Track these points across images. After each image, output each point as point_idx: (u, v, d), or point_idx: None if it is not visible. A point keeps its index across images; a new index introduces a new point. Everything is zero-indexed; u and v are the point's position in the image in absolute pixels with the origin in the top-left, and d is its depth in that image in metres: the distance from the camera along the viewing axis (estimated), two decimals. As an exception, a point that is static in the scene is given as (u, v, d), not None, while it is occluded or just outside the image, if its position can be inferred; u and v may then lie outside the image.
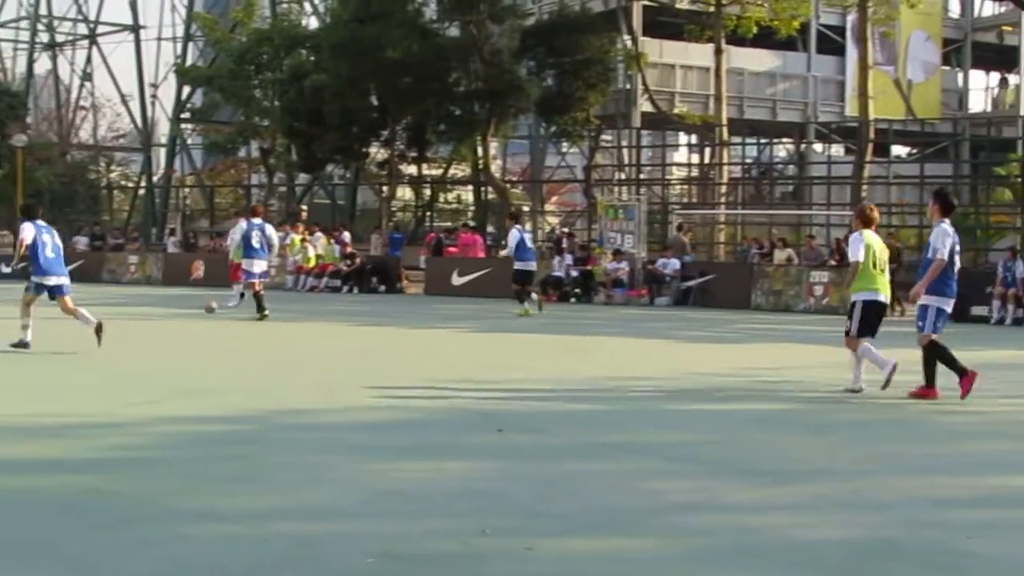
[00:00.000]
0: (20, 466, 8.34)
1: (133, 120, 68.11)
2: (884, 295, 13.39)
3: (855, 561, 6.42)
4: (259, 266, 23.42)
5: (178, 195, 63.54)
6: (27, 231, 16.64)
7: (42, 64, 71.54)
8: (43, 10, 69.65)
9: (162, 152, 67.63)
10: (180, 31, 64.85)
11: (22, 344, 16.18)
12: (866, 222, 13.64)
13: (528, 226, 50.61)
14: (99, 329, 16.05)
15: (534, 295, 26.61)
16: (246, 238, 23.43)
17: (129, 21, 67.43)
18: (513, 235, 26.70)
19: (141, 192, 66.30)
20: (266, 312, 22.98)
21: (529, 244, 26.98)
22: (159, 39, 68.72)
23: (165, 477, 8.07)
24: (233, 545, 6.39)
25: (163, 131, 68.36)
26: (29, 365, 14.81)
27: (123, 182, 69.88)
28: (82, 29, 70.74)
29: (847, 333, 13.37)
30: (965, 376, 12.61)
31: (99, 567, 5.98)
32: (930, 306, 12.83)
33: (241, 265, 23.73)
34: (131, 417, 10.49)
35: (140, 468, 8.38)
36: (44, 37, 70.62)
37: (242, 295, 24.30)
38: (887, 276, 13.53)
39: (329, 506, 7.37)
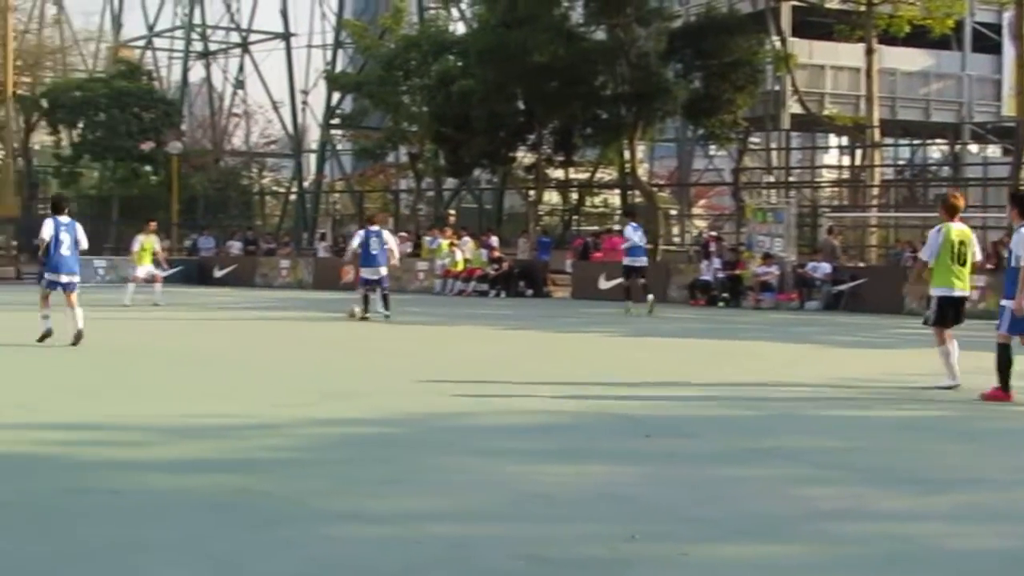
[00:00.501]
0: (174, 466, 8.52)
1: (284, 126, 69.26)
2: (960, 289, 13.57)
3: (1010, 571, 6.29)
4: (377, 272, 24.16)
5: (328, 200, 64.71)
6: (46, 228, 17.71)
7: (196, 72, 73.05)
8: (197, 20, 70.99)
9: (312, 158, 69.10)
10: (330, 38, 65.73)
11: (46, 334, 17.37)
12: (951, 212, 13.64)
13: (676, 230, 50.62)
14: (77, 338, 17.32)
15: (650, 296, 27.47)
16: (364, 245, 24.17)
17: (280, 29, 68.53)
18: (627, 232, 27.86)
19: (292, 197, 67.48)
20: (388, 313, 23.89)
21: (639, 241, 27.82)
22: (309, 46, 69.96)
23: (314, 478, 8.18)
24: (381, 547, 6.45)
25: (313, 137, 69.49)
26: (184, 367, 15.15)
27: (275, 187, 71.39)
28: (235, 38, 72.14)
29: (925, 322, 13.91)
30: (1002, 391, 12.56)
31: (245, 567, 6.08)
32: (1007, 308, 12.63)
33: (360, 272, 24.60)
34: (283, 419, 10.66)
35: (290, 469, 8.51)
36: (198, 46, 72.00)
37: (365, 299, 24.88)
38: (968, 269, 13.69)
39: (478, 508, 7.40)
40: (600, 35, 42.24)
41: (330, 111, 60.96)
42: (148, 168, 63.12)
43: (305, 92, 68.00)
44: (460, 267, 37.79)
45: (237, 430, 10.07)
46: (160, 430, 9.99)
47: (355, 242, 24.71)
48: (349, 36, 56.81)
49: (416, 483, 8.12)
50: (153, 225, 31.37)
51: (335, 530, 6.80)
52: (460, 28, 53.48)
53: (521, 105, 43.48)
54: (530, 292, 37.03)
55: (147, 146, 59.24)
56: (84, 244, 18.25)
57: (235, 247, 49.39)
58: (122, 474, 8.21)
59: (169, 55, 74.57)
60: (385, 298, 24.24)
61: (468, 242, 38.90)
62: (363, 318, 24.19)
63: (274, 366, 15.43)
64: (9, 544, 6.42)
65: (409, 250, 42.31)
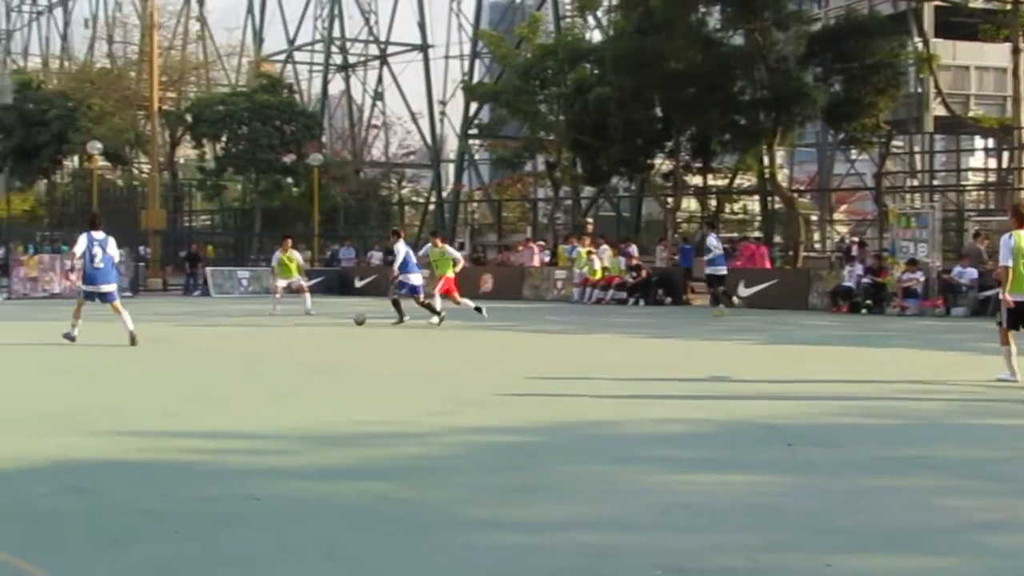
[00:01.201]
0: (316, 473, 8.62)
1: (423, 137, 70.20)
2: None
3: None
4: (415, 279, 26.41)
5: (466, 209, 65.16)
6: (79, 243, 19.24)
7: (336, 85, 74.67)
8: (336, 33, 72.18)
9: (451, 168, 69.73)
10: (467, 49, 66.52)
11: (68, 337, 19.37)
12: (1021, 220, 14.12)
13: (816, 236, 49.98)
14: (132, 339, 19.02)
15: (721, 305, 29.71)
16: (407, 258, 26.59)
17: (418, 41, 69.45)
18: (710, 242, 30.20)
19: (431, 207, 68.53)
20: (404, 319, 26.06)
21: (718, 252, 30.29)
22: (447, 57, 70.59)
23: (455, 486, 8.21)
24: (522, 555, 6.45)
25: (451, 147, 70.40)
26: (323, 376, 15.33)
27: (413, 198, 72.54)
28: (373, 50, 73.30)
29: (999, 324, 14.55)
30: None
31: (388, 574, 6.12)
32: None
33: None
34: (424, 427, 10.72)
35: (431, 476, 8.56)
36: (338, 59, 73.34)
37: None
38: None
39: (618, 517, 7.35)
40: (737, 40, 41.91)
41: (468, 121, 61.51)
42: (289, 180, 64.84)
43: (443, 103, 68.75)
44: (598, 275, 37.67)
45: (377, 438, 10.13)
46: (301, 438, 10.12)
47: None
48: (486, 46, 57.25)
49: (556, 491, 8.09)
50: (288, 242, 31.84)
51: (476, 538, 6.81)
52: (596, 36, 53.49)
53: (658, 112, 43.34)
54: (669, 300, 36.77)
55: (288, 158, 61.14)
56: (116, 257, 19.98)
57: (375, 257, 49.78)
58: (264, 481, 8.32)
59: (309, 68, 76.20)
60: (427, 307, 26.02)
61: (606, 250, 38.75)
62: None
63: (412, 374, 15.55)
64: (155, 550, 6.54)
65: (547, 259, 42.45)
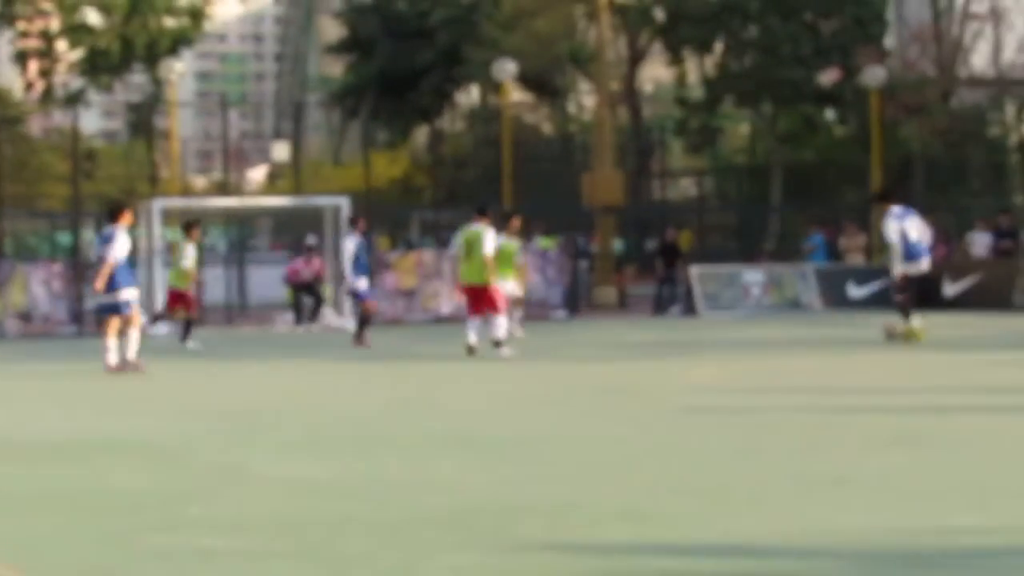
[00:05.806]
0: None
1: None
2: None
3: None
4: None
5: None
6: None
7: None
8: None
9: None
10: None
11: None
12: None
13: None
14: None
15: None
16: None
17: None
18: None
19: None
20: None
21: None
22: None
23: None
24: None
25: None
26: (906, 453, 12.43)
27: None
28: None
29: None
30: None
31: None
32: None
33: None
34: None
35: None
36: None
37: None
38: None
39: None
40: None
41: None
42: (830, 114, 57.48)
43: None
44: None
45: (978, 557, 8.44)
46: (853, 554, 8.23)
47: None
48: None
49: None
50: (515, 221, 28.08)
51: None
52: None
53: None
54: None
55: (829, 77, 52.25)
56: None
57: (979, 242, 40.69)
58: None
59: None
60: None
61: None
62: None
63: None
64: None
65: None
